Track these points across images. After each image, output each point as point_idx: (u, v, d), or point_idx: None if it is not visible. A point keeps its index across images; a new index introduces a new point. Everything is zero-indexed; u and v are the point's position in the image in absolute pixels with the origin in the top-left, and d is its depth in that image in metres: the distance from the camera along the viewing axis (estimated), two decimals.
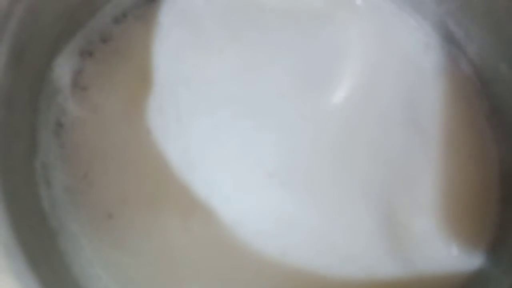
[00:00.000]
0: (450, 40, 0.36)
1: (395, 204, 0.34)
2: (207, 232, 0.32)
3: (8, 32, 0.26)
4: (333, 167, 0.34)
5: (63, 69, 0.32)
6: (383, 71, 0.36)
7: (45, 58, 0.30)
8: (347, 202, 0.34)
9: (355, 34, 0.36)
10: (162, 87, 0.34)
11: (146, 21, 0.35)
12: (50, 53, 0.31)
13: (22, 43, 0.27)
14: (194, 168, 0.33)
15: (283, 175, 0.33)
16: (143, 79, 0.34)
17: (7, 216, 0.24)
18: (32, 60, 0.28)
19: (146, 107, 0.33)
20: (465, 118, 0.36)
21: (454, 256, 0.33)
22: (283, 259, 0.32)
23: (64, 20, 0.30)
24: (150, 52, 0.34)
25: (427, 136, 0.35)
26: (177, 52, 0.34)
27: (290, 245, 0.32)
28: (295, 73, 0.35)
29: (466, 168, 0.35)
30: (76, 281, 0.30)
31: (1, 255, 0.22)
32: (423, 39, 0.37)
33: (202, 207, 0.32)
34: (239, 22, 0.36)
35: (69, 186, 0.32)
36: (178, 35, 0.35)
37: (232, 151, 0.33)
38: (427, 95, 0.36)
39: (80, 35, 0.33)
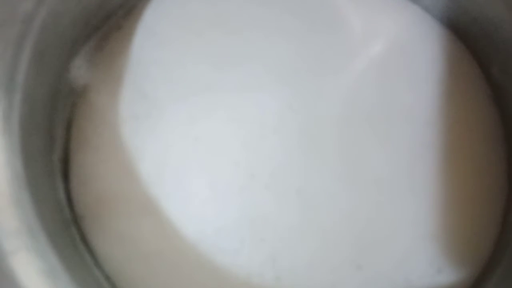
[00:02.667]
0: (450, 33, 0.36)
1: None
2: (183, 239, 0.30)
3: (32, 34, 0.27)
4: (327, 165, 0.32)
5: (79, 69, 0.34)
6: (382, 63, 0.34)
7: (64, 59, 0.32)
8: (341, 204, 0.32)
9: (357, 25, 0.35)
10: (144, 71, 0.33)
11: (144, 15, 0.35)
12: (68, 55, 0.32)
13: (44, 45, 0.28)
14: (170, 168, 0.31)
15: (268, 176, 0.31)
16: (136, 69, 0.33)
17: (31, 200, 0.25)
18: (52, 61, 0.30)
19: (132, 94, 0.33)
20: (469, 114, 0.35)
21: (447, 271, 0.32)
22: (270, 268, 0.30)
23: (82, 24, 0.32)
24: (143, 40, 0.34)
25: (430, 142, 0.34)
26: (161, 34, 0.34)
27: (277, 252, 0.30)
28: (283, 63, 0.33)
29: (469, 175, 0.34)
30: (90, 268, 0.31)
31: (26, 235, 0.24)
32: (426, 29, 0.36)
33: (177, 211, 0.30)
34: (227, 5, 0.34)
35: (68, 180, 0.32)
36: (166, 19, 0.34)
37: (207, 148, 0.32)
38: (430, 92, 0.34)
39: (95, 38, 0.34)
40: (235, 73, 0.33)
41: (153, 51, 0.33)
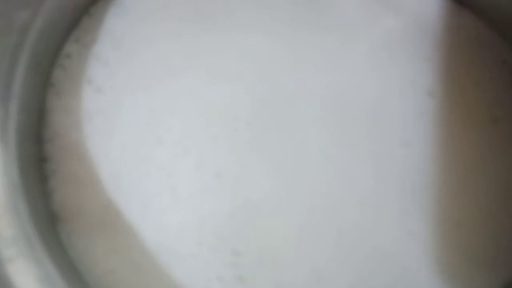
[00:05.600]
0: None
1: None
2: (141, 253, 0.28)
3: (28, 43, 0.28)
4: (303, 163, 0.30)
5: None
6: (380, 53, 0.32)
7: None
8: (315, 204, 0.29)
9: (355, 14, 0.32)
10: (98, 54, 0.31)
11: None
12: None
13: (40, 54, 0.29)
14: (127, 173, 0.29)
15: (235, 174, 0.29)
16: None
17: (27, 208, 0.26)
18: (48, 69, 0.31)
19: (85, 88, 0.30)
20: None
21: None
22: (231, 268, 0.29)
23: None
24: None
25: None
26: (126, 8, 0.31)
27: (238, 249, 0.29)
28: (263, 54, 0.31)
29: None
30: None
31: (23, 243, 0.25)
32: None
33: (136, 224, 0.29)
34: None
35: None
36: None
37: (168, 146, 0.29)
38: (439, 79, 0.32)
39: None
40: (207, 59, 0.30)
41: (115, 32, 0.31)
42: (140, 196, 0.29)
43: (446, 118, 0.31)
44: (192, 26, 0.31)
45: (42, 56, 0.29)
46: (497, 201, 0.31)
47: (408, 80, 0.32)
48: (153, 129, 0.29)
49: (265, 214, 0.29)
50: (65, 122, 0.30)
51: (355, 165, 0.30)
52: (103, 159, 0.29)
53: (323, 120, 0.31)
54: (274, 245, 0.29)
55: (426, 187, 0.30)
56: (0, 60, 0.26)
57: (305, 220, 0.29)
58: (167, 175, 0.29)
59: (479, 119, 0.31)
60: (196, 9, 0.31)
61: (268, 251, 0.29)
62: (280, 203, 0.29)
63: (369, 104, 0.31)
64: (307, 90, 0.31)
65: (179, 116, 0.30)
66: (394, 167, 0.30)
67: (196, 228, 0.29)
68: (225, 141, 0.30)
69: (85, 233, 0.29)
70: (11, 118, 0.27)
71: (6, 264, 0.24)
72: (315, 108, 0.31)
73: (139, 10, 0.31)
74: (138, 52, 0.31)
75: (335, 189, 0.30)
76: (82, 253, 0.29)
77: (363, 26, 0.32)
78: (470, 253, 0.30)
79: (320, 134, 0.30)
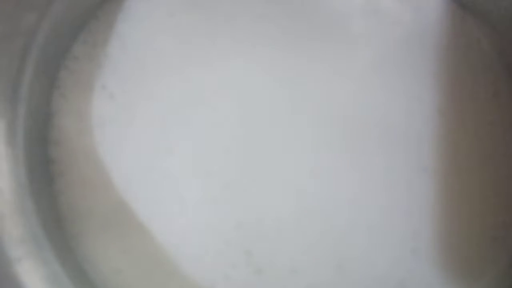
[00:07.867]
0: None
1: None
2: (148, 254, 0.29)
3: (35, 47, 0.28)
4: (310, 173, 0.30)
5: None
6: (384, 62, 0.32)
7: None
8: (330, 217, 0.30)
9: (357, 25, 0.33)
10: (111, 61, 0.31)
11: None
12: None
13: (47, 57, 0.29)
14: (139, 180, 0.29)
15: (244, 185, 0.30)
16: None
17: (35, 209, 0.26)
18: (55, 71, 0.31)
19: (97, 93, 0.30)
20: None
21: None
22: (244, 265, 0.29)
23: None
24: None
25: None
26: (135, 16, 0.32)
27: (250, 251, 0.29)
28: (274, 61, 0.31)
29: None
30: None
31: (31, 243, 0.25)
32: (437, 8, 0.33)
33: (144, 227, 0.29)
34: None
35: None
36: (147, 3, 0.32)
37: (178, 156, 0.30)
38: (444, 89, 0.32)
39: None
40: (218, 67, 0.31)
41: (123, 37, 0.31)
42: (148, 202, 0.29)
43: (453, 134, 0.31)
44: (198, 34, 0.31)
45: (50, 58, 0.30)
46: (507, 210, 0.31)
47: (413, 94, 0.32)
48: (163, 138, 0.30)
49: (274, 227, 0.30)
50: (72, 125, 0.30)
51: (360, 179, 0.30)
52: (112, 164, 0.30)
53: (329, 133, 0.31)
54: (280, 253, 0.29)
55: (433, 202, 0.31)
56: (8, 63, 0.27)
57: (314, 232, 0.30)
58: (176, 185, 0.30)
59: (485, 128, 0.32)
60: (201, 17, 0.31)
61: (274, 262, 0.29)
62: (289, 216, 0.30)
63: (374, 117, 0.31)
64: (313, 102, 0.31)
65: (190, 126, 0.30)
66: (400, 180, 0.31)
67: (204, 234, 0.29)
68: (235, 152, 0.30)
69: (91, 235, 0.29)
70: (19, 120, 0.27)
71: (14, 263, 0.25)
72: (321, 121, 0.31)
73: (146, 15, 0.32)
74: (147, 57, 0.31)
75: (338, 199, 0.30)
76: (89, 254, 0.29)
77: (364, 38, 0.32)
78: (473, 258, 0.30)
79: (326, 146, 0.31)
